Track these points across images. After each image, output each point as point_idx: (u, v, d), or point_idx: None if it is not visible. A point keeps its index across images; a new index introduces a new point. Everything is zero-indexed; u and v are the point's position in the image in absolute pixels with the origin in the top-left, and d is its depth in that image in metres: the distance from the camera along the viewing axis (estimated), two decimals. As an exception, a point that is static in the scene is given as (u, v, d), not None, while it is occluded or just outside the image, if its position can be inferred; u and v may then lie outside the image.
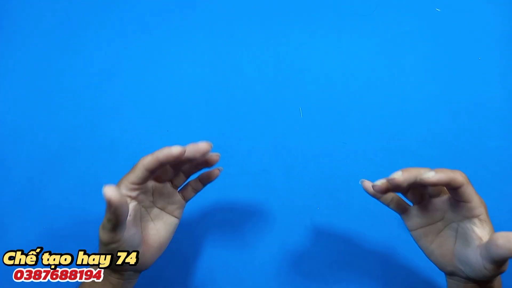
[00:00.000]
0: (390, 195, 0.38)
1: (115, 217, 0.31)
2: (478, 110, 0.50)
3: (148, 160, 0.34)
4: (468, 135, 0.49)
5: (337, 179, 0.49)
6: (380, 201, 0.38)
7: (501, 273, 0.31)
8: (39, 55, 0.54)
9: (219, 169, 0.41)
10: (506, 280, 0.45)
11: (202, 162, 0.39)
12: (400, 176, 0.32)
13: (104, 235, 0.32)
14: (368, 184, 0.37)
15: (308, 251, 0.47)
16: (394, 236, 0.47)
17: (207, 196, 0.49)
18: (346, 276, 0.46)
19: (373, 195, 0.37)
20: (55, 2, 0.56)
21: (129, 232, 0.34)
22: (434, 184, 0.31)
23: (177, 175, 0.40)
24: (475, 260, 0.32)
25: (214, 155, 0.38)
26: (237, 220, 0.48)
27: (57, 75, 0.53)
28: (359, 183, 0.38)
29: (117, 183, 0.37)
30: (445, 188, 0.35)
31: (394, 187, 0.33)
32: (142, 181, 0.35)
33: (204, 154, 0.35)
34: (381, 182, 0.34)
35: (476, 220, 0.33)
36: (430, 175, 0.31)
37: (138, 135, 0.51)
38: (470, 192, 0.32)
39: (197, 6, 0.55)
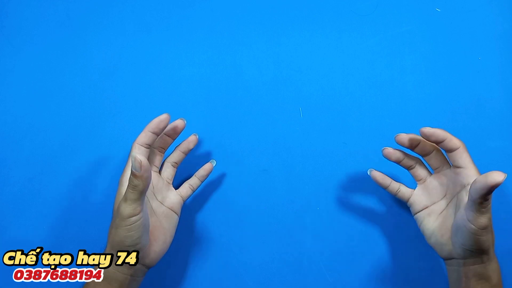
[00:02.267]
0: (397, 184, 0.42)
1: (143, 182, 0.33)
2: (478, 110, 0.50)
3: (140, 136, 0.38)
4: (468, 135, 0.49)
5: (337, 179, 0.49)
6: (388, 191, 0.42)
7: (485, 228, 0.33)
8: (39, 55, 0.54)
9: (211, 163, 0.45)
10: (507, 280, 0.45)
11: (183, 146, 0.43)
12: (405, 135, 0.38)
13: (126, 208, 0.33)
14: (376, 173, 0.42)
15: (308, 251, 0.47)
16: (394, 236, 0.47)
17: (207, 196, 0.49)
18: (346, 276, 0.46)
19: (381, 183, 0.42)
20: (55, 2, 0.56)
21: (145, 209, 0.35)
22: (430, 136, 0.36)
23: (166, 168, 0.43)
24: (461, 218, 0.34)
25: (190, 137, 0.43)
26: (237, 220, 0.48)
27: (57, 75, 0.53)
28: (368, 173, 0.43)
29: (121, 175, 0.38)
30: (447, 161, 0.38)
31: (400, 143, 0.39)
32: None
33: (181, 128, 0.41)
34: (389, 148, 0.40)
35: (469, 187, 0.34)
36: (428, 127, 0.36)
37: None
38: (466, 157, 0.36)
39: (197, 6, 0.55)
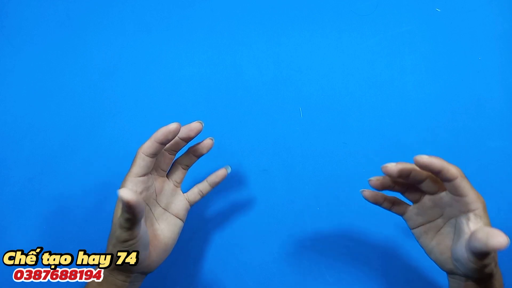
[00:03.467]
0: (391, 200, 0.38)
1: (134, 216, 0.31)
2: (478, 110, 0.50)
3: (146, 146, 0.35)
4: (468, 135, 0.49)
5: (337, 179, 0.49)
6: (383, 207, 0.39)
7: (486, 266, 0.31)
8: (39, 55, 0.54)
9: (226, 169, 0.41)
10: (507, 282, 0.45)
11: (196, 150, 0.39)
12: (393, 165, 0.33)
13: (122, 234, 0.32)
14: (368, 192, 0.38)
15: (308, 251, 0.47)
16: (394, 236, 0.47)
17: (207, 196, 0.49)
18: (346, 276, 0.46)
19: (374, 202, 0.38)
20: (55, 2, 0.56)
21: (142, 228, 0.34)
22: (425, 167, 0.32)
23: (175, 170, 0.40)
24: (461, 253, 0.33)
25: (205, 141, 0.39)
26: (237, 220, 0.48)
27: (57, 75, 0.53)
28: (360, 193, 0.39)
29: (122, 183, 0.37)
30: (442, 184, 0.35)
31: (388, 174, 0.34)
32: (146, 170, 0.36)
33: (197, 132, 0.37)
34: (376, 178, 0.36)
35: (471, 215, 0.33)
36: (423, 156, 0.32)
37: (138, 135, 0.51)
38: (464, 186, 0.33)
39: (197, 6, 0.55)
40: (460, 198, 0.33)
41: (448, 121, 0.50)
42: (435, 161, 0.32)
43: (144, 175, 0.36)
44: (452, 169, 0.32)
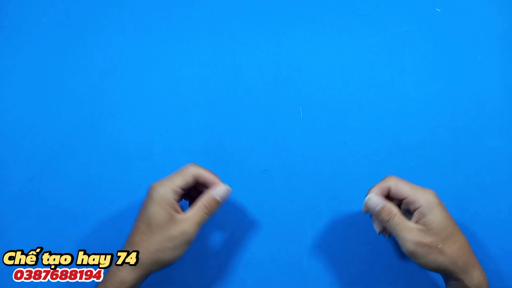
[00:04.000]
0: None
1: (217, 209, 0.38)
2: (478, 110, 0.50)
3: (201, 173, 0.39)
4: (468, 135, 0.49)
5: (337, 179, 0.49)
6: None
7: (408, 251, 0.35)
8: (39, 55, 0.54)
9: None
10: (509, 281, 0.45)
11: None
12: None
13: (196, 231, 0.37)
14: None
15: (308, 251, 0.47)
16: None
17: (207, 196, 0.49)
18: (346, 276, 0.46)
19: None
20: (55, 2, 0.56)
21: None
22: (369, 211, 0.39)
23: None
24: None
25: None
26: (237, 220, 0.48)
27: (57, 75, 0.53)
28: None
29: (162, 183, 0.37)
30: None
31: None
32: (185, 185, 0.38)
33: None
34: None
35: (415, 212, 0.36)
36: (363, 207, 0.39)
37: (138, 135, 0.51)
38: (400, 190, 0.37)
39: (197, 6, 0.55)
40: (406, 201, 0.37)
41: (448, 121, 0.50)
42: (366, 203, 0.38)
43: (183, 189, 0.38)
44: (381, 183, 0.38)
